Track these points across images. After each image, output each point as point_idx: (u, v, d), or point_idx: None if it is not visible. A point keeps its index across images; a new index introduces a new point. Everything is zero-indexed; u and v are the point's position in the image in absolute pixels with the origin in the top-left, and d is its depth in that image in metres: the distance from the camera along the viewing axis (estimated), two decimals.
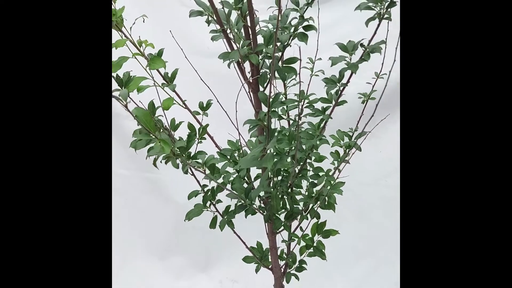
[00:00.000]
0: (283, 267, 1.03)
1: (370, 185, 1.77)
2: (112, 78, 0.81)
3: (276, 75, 0.77)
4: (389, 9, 0.73)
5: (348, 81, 0.81)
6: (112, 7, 0.80)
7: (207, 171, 0.81)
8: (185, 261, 1.83)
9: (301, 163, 0.87)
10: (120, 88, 0.77)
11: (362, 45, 0.78)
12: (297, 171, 0.90)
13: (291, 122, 0.91)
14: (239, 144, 0.92)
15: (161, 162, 0.87)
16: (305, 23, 0.73)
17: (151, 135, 0.67)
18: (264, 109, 0.80)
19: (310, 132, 0.83)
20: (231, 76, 1.01)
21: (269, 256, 1.02)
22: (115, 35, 0.84)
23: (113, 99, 0.82)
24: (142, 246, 1.83)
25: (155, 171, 1.76)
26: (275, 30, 0.74)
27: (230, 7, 0.69)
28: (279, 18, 0.64)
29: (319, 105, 0.83)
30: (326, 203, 0.96)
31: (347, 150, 0.94)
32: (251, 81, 0.77)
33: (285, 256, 1.02)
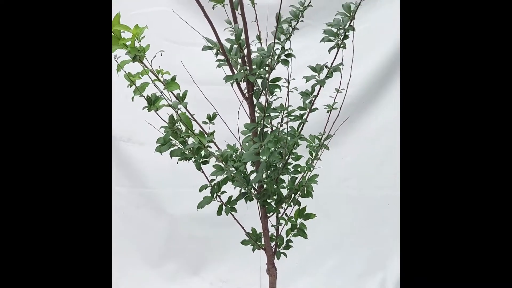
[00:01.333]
0: (274, 247, 1.27)
1: (334, 187, 2.06)
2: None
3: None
4: (344, 41, 1.02)
5: (318, 93, 1.09)
6: (138, 44, 1.04)
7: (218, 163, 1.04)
8: (179, 266, 2.04)
9: (287, 156, 1.13)
10: (149, 105, 1.00)
11: (326, 66, 1.06)
12: (281, 166, 1.16)
13: (274, 128, 1.18)
14: (236, 148, 1.17)
15: (180, 160, 1.09)
16: (286, 52, 1.01)
17: (189, 131, 0.90)
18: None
19: (292, 133, 1.09)
20: (213, 99, 1.26)
21: (262, 239, 1.26)
22: (138, 67, 1.08)
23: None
24: (139, 255, 2.03)
25: (149, 187, 1.99)
26: (263, 58, 1.01)
27: (232, 42, 0.96)
28: (270, 50, 0.91)
29: (297, 113, 1.10)
30: (305, 191, 1.22)
31: (318, 149, 1.21)
32: (247, 96, 1.03)
33: (275, 238, 1.26)
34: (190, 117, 1.13)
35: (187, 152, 1.06)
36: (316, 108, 1.11)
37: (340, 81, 1.18)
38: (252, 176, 1.12)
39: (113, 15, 1.00)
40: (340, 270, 2.05)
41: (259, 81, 1.01)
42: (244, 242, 1.26)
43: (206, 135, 1.09)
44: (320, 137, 1.21)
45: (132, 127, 1.93)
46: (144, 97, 1.01)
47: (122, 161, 1.95)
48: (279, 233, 1.26)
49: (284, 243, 1.27)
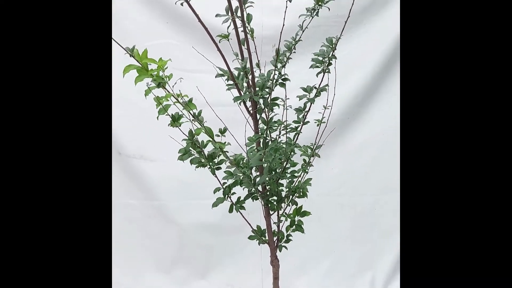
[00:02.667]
0: (276, 241, 1.48)
1: (326, 195, 2.29)
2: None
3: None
4: (328, 67, 1.27)
5: (309, 109, 1.34)
6: (161, 74, 1.27)
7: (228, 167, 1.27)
8: (188, 272, 2.22)
9: (285, 163, 1.36)
10: (173, 122, 1.23)
11: (315, 87, 1.31)
12: (280, 170, 1.39)
13: (273, 139, 1.41)
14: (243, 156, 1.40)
15: (198, 167, 1.31)
16: (283, 77, 1.26)
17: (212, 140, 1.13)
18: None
19: (289, 142, 1.33)
20: (215, 118, 1.49)
21: (266, 234, 1.47)
22: (161, 92, 1.31)
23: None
24: (152, 262, 2.21)
25: (159, 199, 2.20)
26: (264, 81, 1.26)
27: (240, 70, 1.21)
28: (269, 75, 1.15)
29: (293, 125, 1.34)
30: (301, 193, 1.45)
31: (310, 157, 1.45)
32: (251, 112, 1.27)
33: (277, 233, 1.48)
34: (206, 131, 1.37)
35: (203, 160, 1.29)
36: (308, 121, 1.35)
37: (327, 100, 1.43)
38: (258, 179, 1.35)
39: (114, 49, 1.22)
40: (334, 271, 2.26)
41: (261, 100, 1.25)
42: (251, 237, 1.47)
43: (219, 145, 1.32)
44: (312, 146, 1.45)
45: (144, 146, 2.16)
46: (169, 115, 1.24)
47: (135, 177, 2.16)
48: (280, 229, 1.48)
49: (285, 238, 1.48)
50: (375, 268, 2.26)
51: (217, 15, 1.17)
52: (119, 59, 1.81)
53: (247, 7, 1.15)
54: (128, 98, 2.03)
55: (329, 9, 1.22)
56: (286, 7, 1.23)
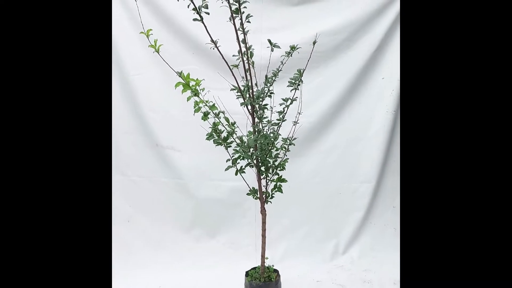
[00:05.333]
0: (264, 197, 2.29)
1: (304, 183, 3.04)
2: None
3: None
4: (299, 86, 2.11)
5: (286, 112, 2.17)
6: (197, 88, 2.11)
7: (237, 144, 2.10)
8: (202, 232, 2.93)
9: (270, 146, 2.18)
10: (204, 116, 2.05)
11: (289, 98, 2.15)
12: (267, 150, 2.21)
13: (263, 132, 2.23)
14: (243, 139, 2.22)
15: (217, 146, 2.14)
16: (270, 92, 2.10)
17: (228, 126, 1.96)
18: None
19: (273, 132, 2.16)
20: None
21: (258, 193, 2.28)
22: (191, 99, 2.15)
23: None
24: (176, 224, 2.94)
25: (183, 179, 3.01)
26: (259, 94, 2.10)
27: (245, 87, 2.05)
28: (262, 90, 2.00)
29: (275, 122, 2.17)
30: (282, 167, 2.27)
31: (288, 145, 2.27)
32: (251, 112, 2.11)
33: (265, 192, 2.28)
34: (226, 123, 2.20)
35: (220, 141, 2.12)
36: (286, 120, 2.18)
37: (300, 107, 2.26)
38: (253, 154, 2.17)
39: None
40: (308, 238, 2.96)
41: (257, 105, 2.09)
42: (248, 194, 2.28)
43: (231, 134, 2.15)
44: (289, 138, 2.28)
45: (174, 140, 2.96)
46: (202, 113, 2.08)
47: (167, 162, 2.96)
48: (267, 189, 2.29)
49: (270, 196, 2.29)
50: (338, 236, 2.99)
51: (233, 55, 2.01)
52: (160, 78, 2.63)
53: (251, 50, 2.00)
54: (163, 106, 2.86)
55: (298, 52, 2.06)
56: (271, 52, 2.06)
